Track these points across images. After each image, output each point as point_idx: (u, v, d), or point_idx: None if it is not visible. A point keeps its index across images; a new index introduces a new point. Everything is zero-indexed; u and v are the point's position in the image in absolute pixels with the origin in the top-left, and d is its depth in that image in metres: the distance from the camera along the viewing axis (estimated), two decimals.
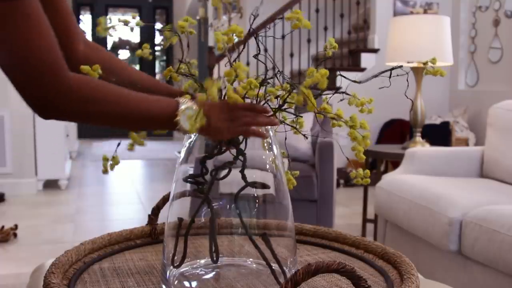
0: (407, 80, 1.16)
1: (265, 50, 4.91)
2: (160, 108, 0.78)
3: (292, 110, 0.89)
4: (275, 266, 0.84)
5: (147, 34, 9.93)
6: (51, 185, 4.47)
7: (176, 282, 0.81)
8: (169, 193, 0.86)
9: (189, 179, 0.83)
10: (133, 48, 10.05)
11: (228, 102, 0.79)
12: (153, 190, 4.54)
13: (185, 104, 0.79)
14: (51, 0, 0.82)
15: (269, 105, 0.85)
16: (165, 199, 0.98)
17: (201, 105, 0.79)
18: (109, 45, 9.75)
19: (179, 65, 0.88)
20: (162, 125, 0.80)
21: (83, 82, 0.74)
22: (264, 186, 0.82)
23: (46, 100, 0.72)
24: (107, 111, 0.75)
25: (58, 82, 0.71)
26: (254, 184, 0.82)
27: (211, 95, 0.76)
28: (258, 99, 0.84)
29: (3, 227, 2.95)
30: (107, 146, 7.77)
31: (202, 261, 0.86)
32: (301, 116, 0.92)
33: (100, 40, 9.52)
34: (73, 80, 0.72)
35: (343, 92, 0.92)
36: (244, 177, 0.82)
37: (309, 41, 5.07)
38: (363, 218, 3.03)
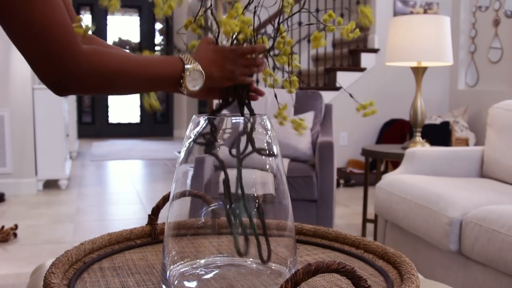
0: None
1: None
2: (166, 70, 0.80)
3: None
4: (275, 266, 0.84)
5: (147, 34, 9.93)
6: (51, 185, 4.47)
7: (176, 282, 0.81)
8: (169, 193, 0.86)
9: (198, 141, 0.82)
10: (133, 48, 10.05)
11: (229, 51, 0.81)
12: (153, 190, 4.54)
13: (189, 63, 0.80)
14: None
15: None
16: (165, 199, 0.98)
17: (202, 60, 0.81)
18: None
19: (196, 16, 0.87)
20: (168, 87, 0.82)
21: (96, 53, 0.75)
22: (270, 154, 0.82)
23: (63, 74, 0.73)
24: (120, 78, 0.77)
25: (74, 54, 0.72)
26: (260, 151, 0.81)
27: (228, 28, 0.78)
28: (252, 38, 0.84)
29: (3, 227, 2.95)
30: (107, 146, 7.77)
31: (202, 261, 0.86)
32: (294, 73, 0.91)
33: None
34: (87, 52, 0.74)
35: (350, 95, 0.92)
36: (252, 141, 0.81)
37: (309, 41, 5.07)
38: (363, 218, 3.03)
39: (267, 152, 0.82)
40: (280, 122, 0.92)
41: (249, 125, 0.82)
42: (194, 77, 0.80)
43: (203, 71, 0.81)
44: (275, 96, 0.97)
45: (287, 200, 0.83)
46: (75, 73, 0.73)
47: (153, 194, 4.33)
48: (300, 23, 5.01)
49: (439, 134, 4.45)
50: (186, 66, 0.80)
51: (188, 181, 0.83)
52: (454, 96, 5.18)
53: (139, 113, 9.95)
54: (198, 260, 0.86)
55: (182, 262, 0.84)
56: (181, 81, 0.80)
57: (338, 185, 4.64)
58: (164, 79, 0.81)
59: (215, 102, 4.81)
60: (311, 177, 2.78)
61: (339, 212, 3.66)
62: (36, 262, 2.54)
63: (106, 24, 9.67)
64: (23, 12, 0.69)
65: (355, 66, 5.06)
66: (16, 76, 4.13)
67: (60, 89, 0.76)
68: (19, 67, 4.12)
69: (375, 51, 4.99)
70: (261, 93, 0.89)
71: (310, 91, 3.37)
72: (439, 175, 2.44)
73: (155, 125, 9.98)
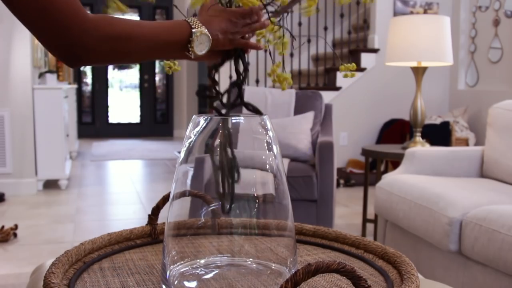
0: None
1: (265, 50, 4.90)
2: (174, 34, 0.80)
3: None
4: (275, 266, 0.84)
5: None
6: (51, 185, 4.47)
7: (176, 282, 0.81)
8: (169, 193, 0.86)
9: (201, 93, 0.84)
10: None
11: (231, 13, 0.84)
12: (153, 190, 4.54)
13: (196, 27, 0.81)
14: None
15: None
16: (165, 199, 0.98)
17: (208, 23, 0.82)
18: None
19: None
20: (176, 52, 0.83)
21: (103, 20, 0.75)
22: (257, 111, 0.86)
23: (72, 43, 0.73)
24: (128, 47, 0.77)
25: (80, 22, 0.72)
26: (248, 105, 0.85)
27: None
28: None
29: (3, 227, 2.95)
30: (107, 146, 7.77)
31: (202, 261, 0.86)
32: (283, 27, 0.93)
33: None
34: (94, 19, 0.74)
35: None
36: (241, 96, 0.85)
37: (309, 41, 5.07)
38: (363, 218, 3.03)
39: (252, 109, 0.87)
40: (273, 80, 0.94)
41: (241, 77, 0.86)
42: (201, 41, 0.81)
43: (209, 35, 0.81)
44: (270, 53, 0.97)
45: (287, 200, 0.83)
46: (85, 41, 0.73)
47: (153, 194, 4.33)
48: (300, 23, 5.01)
49: (439, 134, 4.45)
50: (193, 31, 0.80)
51: (188, 181, 0.83)
52: (454, 96, 5.18)
53: (139, 113, 9.95)
54: (198, 260, 0.86)
55: (182, 262, 0.84)
56: (189, 45, 0.81)
57: (338, 185, 4.64)
58: (173, 44, 0.81)
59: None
60: (311, 177, 2.78)
61: (339, 212, 3.66)
62: (36, 262, 2.54)
63: None
64: None
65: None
66: (16, 76, 4.13)
67: (72, 60, 0.75)
68: (19, 67, 4.12)
69: (375, 51, 4.99)
70: (259, 47, 0.90)
71: (310, 91, 3.37)
72: (439, 175, 2.44)
73: (155, 125, 9.98)
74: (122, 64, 0.83)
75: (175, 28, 0.81)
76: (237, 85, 0.85)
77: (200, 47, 0.81)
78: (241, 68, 0.87)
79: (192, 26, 0.81)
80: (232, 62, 0.88)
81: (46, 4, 0.70)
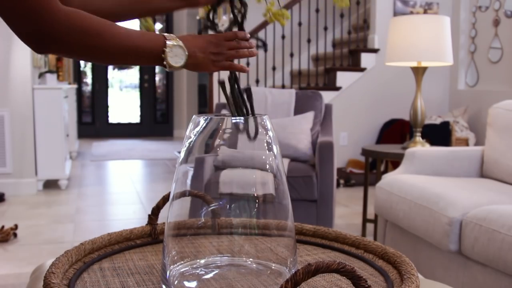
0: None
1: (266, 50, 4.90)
2: (147, 43, 0.82)
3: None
4: (275, 266, 0.84)
5: None
6: (51, 185, 4.47)
7: (176, 282, 0.81)
8: (169, 193, 0.86)
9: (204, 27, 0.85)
10: None
11: (212, 36, 0.86)
12: (153, 190, 4.54)
13: (172, 40, 0.82)
14: None
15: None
16: (165, 199, 0.98)
17: (185, 40, 0.83)
18: None
19: None
20: (149, 61, 0.84)
21: (75, 14, 0.76)
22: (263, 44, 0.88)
23: (40, 30, 0.74)
24: (97, 43, 0.78)
25: (53, 10, 0.73)
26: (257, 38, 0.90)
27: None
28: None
29: (3, 227, 2.95)
30: (107, 146, 7.77)
31: (202, 261, 0.86)
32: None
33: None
34: (66, 11, 0.75)
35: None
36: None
37: (309, 41, 5.07)
38: (363, 218, 3.03)
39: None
40: (269, 19, 0.95)
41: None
42: (176, 53, 0.82)
43: (184, 48, 0.83)
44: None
45: (287, 200, 0.83)
46: (55, 30, 0.74)
47: (153, 194, 4.33)
48: (300, 24, 5.01)
49: (439, 134, 4.45)
50: (167, 42, 0.82)
51: (188, 181, 0.83)
52: (454, 96, 5.18)
53: (139, 113, 9.95)
54: (198, 260, 0.86)
55: (182, 262, 0.84)
56: (163, 55, 0.82)
57: (338, 185, 4.64)
58: (146, 51, 0.82)
59: (215, 103, 4.80)
60: (311, 177, 2.78)
61: (339, 212, 3.66)
62: (36, 262, 2.54)
63: None
64: None
65: (355, 66, 5.06)
66: (16, 76, 4.13)
67: (40, 48, 0.77)
68: (19, 67, 4.12)
69: (375, 51, 4.99)
70: (244, 70, 0.91)
71: (310, 91, 3.37)
72: (439, 175, 2.44)
73: (155, 125, 9.98)
74: (93, 61, 0.84)
75: (150, 37, 0.82)
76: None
77: (175, 59, 0.82)
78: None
79: (168, 38, 0.82)
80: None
81: None
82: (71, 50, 0.78)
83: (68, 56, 0.82)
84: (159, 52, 0.82)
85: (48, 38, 0.75)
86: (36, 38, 0.75)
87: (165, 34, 0.83)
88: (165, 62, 0.82)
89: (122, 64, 0.87)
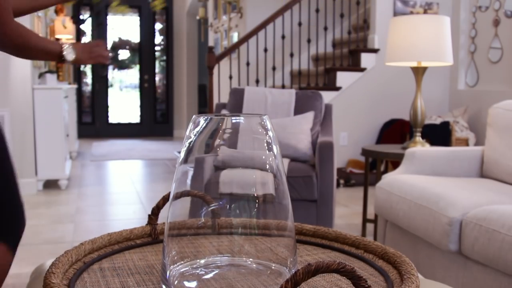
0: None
1: (265, 50, 4.91)
2: (53, 45, 1.36)
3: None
4: (275, 266, 0.84)
5: (147, 34, 9.93)
6: (51, 185, 4.47)
7: (176, 282, 0.81)
8: (169, 193, 0.86)
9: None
10: (133, 48, 10.05)
11: (87, 43, 1.46)
12: (153, 190, 4.54)
13: (66, 45, 1.39)
14: None
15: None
16: (165, 199, 0.98)
17: (73, 45, 1.41)
18: (109, 45, 9.75)
19: None
20: (54, 57, 1.37)
21: (18, 26, 1.23)
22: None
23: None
24: (25, 43, 1.26)
25: (8, 21, 1.19)
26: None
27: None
28: None
29: None
30: (107, 146, 7.77)
31: (202, 261, 0.86)
32: None
33: (100, 39, 9.51)
34: (14, 23, 1.21)
35: None
36: None
37: (309, 41, 5.07)
38: (363, 218, 3.03)
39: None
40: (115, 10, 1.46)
41: None
42: (69, 51, 1.38)
43: (73, 49, 1.40)
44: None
45: (287, 200, 0.83)
46: (3, 30, 1.18)
47: (153, 194, 4.33)
48: (300, 24, 5.01)
49: (439, 134, 4.45)
50: (63, 46, 1.38)
51: (188, 181, 0.83)
52: (454, 96, 5.18)
53: (139, 113, 9.95)
54: (198, 260, 0.86)
55: (182, 262, 0.84)
56: (63, 53, 1.37)
57: (338, 185, 4.65)
58: (51, 51, 1.35)
59: (214, 104, 4.82)
60: (311, 177, 2.78)
61: (339, 212, 3.66)
62: (36, 262, 2.54)
63: (106, 24, 9.67)
64: None
65: (355, 66, 5.06)
66: (16, 76, 4.13)
67: None
68: (19, 67, 4.12)
69: (375, 51, 4.99)
70: (105, 61, 1.49)
71: (310, 91, 3.37)
72: (439, 175, 2.44)
73: (155, 125, 9.98)
74: (18, 54, 1.31)
75: (54, 43, 1.37)
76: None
77: (70, 55, 1.39)
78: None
79: (63, 44, 1.38)
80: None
81: None
82: (9, 46, 1.24)
83: (5, 49, 1.25)
84: (60, 51, 1.36)
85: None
86: None
87: (61, 42, 1.41)
88: (63, 57, 1.37)
89: (36, 58, 1.37)
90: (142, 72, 9.93)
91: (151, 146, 7.94)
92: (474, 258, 1.78)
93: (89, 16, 9.47)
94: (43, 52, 1.35)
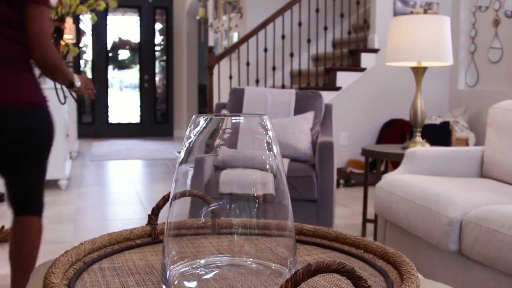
0: None
1: (265, 50, 4.91)
2: (70, 74, 1.78)
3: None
4: (275, 266, 0.84)
5: (147, 34, 9.93)
6: (51, 185, 4.47)
7: (176, 282, 0.81)
8: (169, 193, 0.86)
9: None
10: (133, 48, 10.05)
11: (86, 78, 1.89)
12: (153, 190, 4.54)
13: (75, 75, 1.81)
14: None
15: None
16: (165, 199, 0.98)
17: (79, 77, 1.82)
18: (109, 45, 9.75)
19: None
20: (67, 82, 1.80)
21: (55, 51, 1.68)
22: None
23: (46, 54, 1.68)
24: (56, 66, 1.70)
25: (50, 45, 1.66)
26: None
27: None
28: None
29: (3, 227, 2.95)
30: (107, 146, 7.77)
31: (202, 261, 0.86)
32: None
33: (100, 39, 9.54)
34: (53, 48, 1.67)
35: None
36: None
37: (309, 41, 5.07)
38: (363, 218, 3.03)
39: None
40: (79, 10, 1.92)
41: None
42: (77, 80, 1.80)
43: (79, 79, 1.83)
44: None
45: (287, 200, 0.83)
46: (48, 52, 1.65)
47: (153, 194, 4.33)
48: (300, 24, 5.01)
49: (439, 134, 4.45)
50: (74, 75, 1.81)
51: (188, 181, 0.83)
52: (454, 96, 5.18)
53: (139, 113, 9.95)
54: (198, 260, 0.86)
55: (182, 262, 0.84)
56: (73, 80, 1.80)
57: (338, 185, 4.65)
58: (68, 76, 1.78)
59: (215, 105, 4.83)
60: (311, 177, 2.78)
61: (339, 212, 3.66)
62: (36, 262, 2.54)
63: (106, 24, 9.67)
64: (44, 29, 1.66)
65: (355, 66, 5.06)
66: None
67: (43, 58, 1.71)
68: None
69: (375, 51, 4.99)
70: (91, 96, 1.97)
71: (310, 91, 3.37)
72: (439, 175, 2.44)
73: (155, 125, 9.98)
74: (48, 75, 1.75)
75: (70, 71, 1.78)
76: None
77: (77, 82, 1.81)
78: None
79: (74, 75, 1.81)
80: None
81: (46, 36, 1.67)
82: (48, 66, 1.70)
83: (41, 67, 1.72)
84: (72, 77, 1.78)
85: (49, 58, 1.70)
86: (43, 56, 1.69)
87: (75, 75, 1.83)
88: (73, 83, 1.80)
89: (58, 81, 1.81)
90: (142, 72, 9.93)
91: (151, 146, 7.94)
92: (474, 258, 1.78)
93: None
94: (63, 75, 1.74)
